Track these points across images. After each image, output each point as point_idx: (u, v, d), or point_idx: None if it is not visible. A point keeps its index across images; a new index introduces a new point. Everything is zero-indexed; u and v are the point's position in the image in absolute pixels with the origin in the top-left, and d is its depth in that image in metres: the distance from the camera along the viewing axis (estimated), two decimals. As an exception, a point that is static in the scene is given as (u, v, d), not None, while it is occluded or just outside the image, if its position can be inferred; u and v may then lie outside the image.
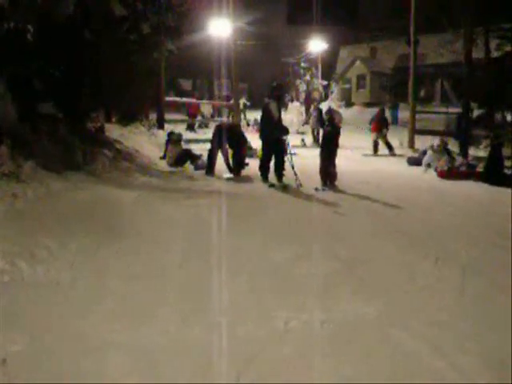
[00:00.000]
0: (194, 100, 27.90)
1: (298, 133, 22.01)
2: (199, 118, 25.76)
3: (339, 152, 10.60)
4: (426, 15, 22.18)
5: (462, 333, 3.91)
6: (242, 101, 27.96)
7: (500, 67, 19.40)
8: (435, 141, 13.89)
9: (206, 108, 26.60)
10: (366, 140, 18.11)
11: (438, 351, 3.61)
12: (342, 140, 10.67)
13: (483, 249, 6.26)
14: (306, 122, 28.73)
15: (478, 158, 14.17)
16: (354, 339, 3.77)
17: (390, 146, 17.04)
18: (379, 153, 16.91)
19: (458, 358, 3.53)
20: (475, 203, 9.39)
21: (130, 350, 3.50)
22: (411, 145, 18.72)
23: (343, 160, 11.95)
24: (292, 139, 11.41)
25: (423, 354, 3.57)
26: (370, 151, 16.97)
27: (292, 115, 26.85)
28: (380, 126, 17.23)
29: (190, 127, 24.06)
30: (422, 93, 30.42)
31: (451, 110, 24.02)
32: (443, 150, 13.21)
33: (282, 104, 10.65)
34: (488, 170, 11.76)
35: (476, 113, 20.19)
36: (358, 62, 38.97)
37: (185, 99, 28.69)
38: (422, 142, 17.85)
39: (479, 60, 22.08)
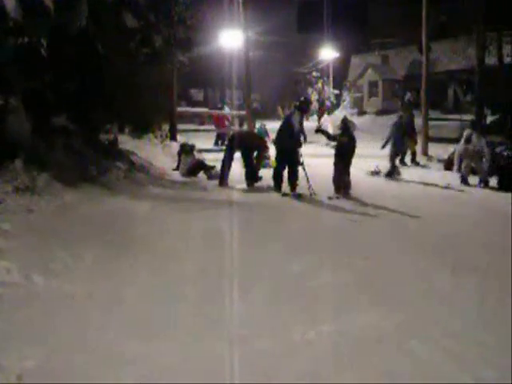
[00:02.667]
0: (205, 109, 27.70)
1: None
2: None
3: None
4: (438, 21, 22.11)
5: (483, 344, 3.84)
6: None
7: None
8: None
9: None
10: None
11: (461, 363, 3.54)
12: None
13: (502, 257, 6.16)
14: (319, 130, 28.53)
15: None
16: (374, 351, 3.70)
17: (415, 154, 16.60)
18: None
19: (482, 371, 3.46)
20: (493, 211, 9.28)
21: (145, 364, 3.46)
22: (425, 152, 18.55)
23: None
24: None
25: (445, 367, 3.51)
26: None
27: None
28: (414, 133, 16.34)
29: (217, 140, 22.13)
30: (435, 99, 30.24)
31: (464, 116, 23.85)
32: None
33: (303, 117, 10.71)
34: (503, 178, 11.58)
35: (490, 119, 20.05)
36: (369, 70, 38.87)
37: (197, 109, 28.71)
38: (435, 150, 17.74)
39: (493, 66, 21.94)
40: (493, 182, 11.81)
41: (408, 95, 32.27)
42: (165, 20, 12.49)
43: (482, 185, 11.78)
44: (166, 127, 18.54)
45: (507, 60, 21.82)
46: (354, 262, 5.78)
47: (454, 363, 3.56)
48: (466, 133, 12.42)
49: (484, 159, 12.04)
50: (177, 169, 12.89)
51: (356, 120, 24.33)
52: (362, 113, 37.17)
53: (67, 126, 9.76)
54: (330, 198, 9.70)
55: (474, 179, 11.95)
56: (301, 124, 10.35)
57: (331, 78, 38.80)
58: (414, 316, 4.34)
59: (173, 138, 18.23)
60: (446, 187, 11.72)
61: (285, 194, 9.98)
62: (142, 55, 11.68)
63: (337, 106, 40.44)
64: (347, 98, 41.08)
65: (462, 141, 12.29)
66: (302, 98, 11.02)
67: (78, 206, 7.76)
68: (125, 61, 10.80)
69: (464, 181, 12.01)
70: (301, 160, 10.23)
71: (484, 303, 4.68)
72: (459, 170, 12.27)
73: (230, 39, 24.06)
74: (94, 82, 10.08)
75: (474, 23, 20.58)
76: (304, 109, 10.67)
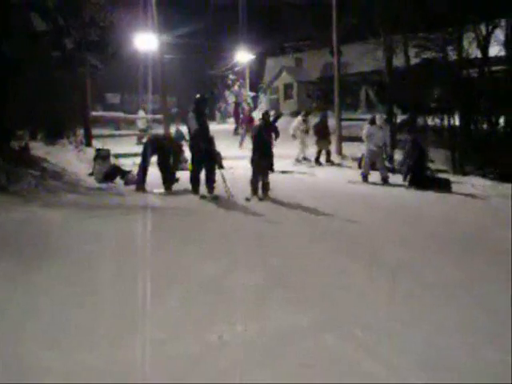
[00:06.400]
0: (121, 114, 27.23)
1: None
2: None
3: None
4: (350, 25, 22.79)
5: (393, 334, 4.04)
6: None
7: (418, 74, 20.18)
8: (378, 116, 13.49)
9: (141, 121, 26.06)
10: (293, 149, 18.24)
11: (373, 353, 3.72)
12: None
13: (412, 250, 6.49)
14: (236, 133, 28.75)
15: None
16: (290, 348, 3.80)
17: (329, 154, 17.07)
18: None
19: (392, 359, 3.64)
20: (404, 207, 9.73)
21: (66, 375, 3.41)
22: (339, 152, 19.08)
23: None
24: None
25: (359, 358, 3.67)
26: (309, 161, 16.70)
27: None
28: (326, 133, 16.86)
29: None
30: (348, 100, 31.07)
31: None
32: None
33: (202, 115, 10.51)
34: (414, 175, 12.13)
35: (400, 118, 20.90)
36: (284, 72, 39.48)
37: (113, 113, 28.19)
38: (349, 149, 18.30)
39: (400, 67, 22.82)
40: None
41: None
42: (75, 22, 12.20)
43: (382, 182, 12.52)
44: (80, 132, 18.11)
45: (414, 62, 22.74)
46: (271, 261, 5.90)
47: (367, 354, 3.72)
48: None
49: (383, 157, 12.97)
50: (92, 174, 12.62)
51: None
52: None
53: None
54: (247, 200, 9.80)
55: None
56: (201, 123, 10.19)
57: (248, 81, 39.14)
58: (329, 311, 4.49)
59: (88, 143, 17.82)
60: (361, 184, 12.28)
61: (202, 197, 10.00)
62: (53, 59, 11.38)
63: (254, 108, 40.79)
64: (263, 99, 41.52)
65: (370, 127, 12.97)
66: (197, 96, 10.70)
67: (-12, 216, 7.47)
68: (35, 65, 10.50)
69: (364, 178, 12.77)
70: (222, 163, 10.32)
71: (395, 296, 4.92)
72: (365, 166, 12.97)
73: (145, 42, 23.75)
74: (1, 87, 9.74)
75: (380, 27, 21.34)
76: (199, 108, 10.32)
